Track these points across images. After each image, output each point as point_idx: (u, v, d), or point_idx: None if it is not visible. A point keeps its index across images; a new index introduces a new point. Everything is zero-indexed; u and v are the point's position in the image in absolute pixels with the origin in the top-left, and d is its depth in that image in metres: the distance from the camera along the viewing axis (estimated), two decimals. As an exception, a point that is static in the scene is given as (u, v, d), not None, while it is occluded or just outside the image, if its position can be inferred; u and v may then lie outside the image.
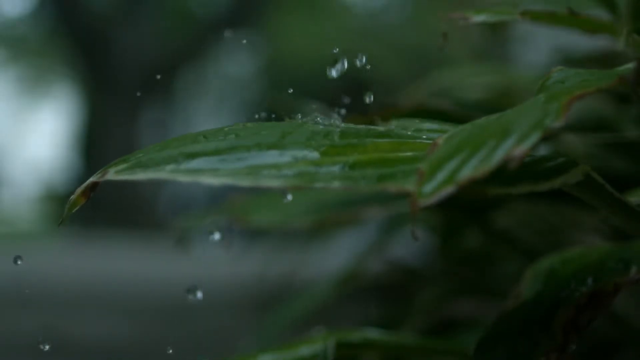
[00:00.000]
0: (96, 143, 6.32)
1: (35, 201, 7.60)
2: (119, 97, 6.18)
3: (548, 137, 0.60)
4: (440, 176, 0.32)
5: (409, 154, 0.36)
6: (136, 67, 6.22)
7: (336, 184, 0.33)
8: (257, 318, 1.02)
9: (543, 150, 0.61)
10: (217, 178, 0.33)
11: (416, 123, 0.46)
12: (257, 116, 0.45)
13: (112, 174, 0.35)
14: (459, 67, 0.91)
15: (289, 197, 0.44)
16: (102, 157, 5.90)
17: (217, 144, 0.35)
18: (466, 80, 0.81)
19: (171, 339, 1.48)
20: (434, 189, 0.32)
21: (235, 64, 7.51)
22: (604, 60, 0.71)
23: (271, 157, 0.35)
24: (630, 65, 0.41)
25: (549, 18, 0.48)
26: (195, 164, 0.34)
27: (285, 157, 0.35)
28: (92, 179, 0.35)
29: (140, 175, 0.34)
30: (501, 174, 0.35)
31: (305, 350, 0.51)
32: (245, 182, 0.33)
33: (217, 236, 0.58)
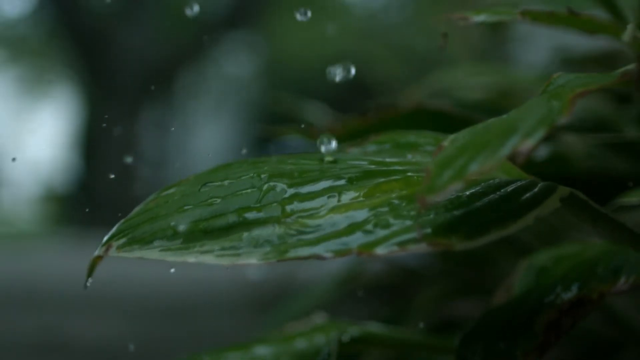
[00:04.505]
0: (96, 143, 6.32)
1: (35, 201, 7.59)
2: (118, 97, 6.18)
3: (549, 137, 0.60)
4: (448, 173, 0.32)
5: (384, 221, 0.37)
6: (136, 67, 6.22)
7: (307, 252, 0.35)
8: (258, 318, 1.02)
9: (543, 151, 0.61)
10: (202, 257, 0.36)
11: (398, 135, 0.47)
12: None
13: (114, 251, 0.38)
14: (459, 67, 0.91)
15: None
16: (102, 158, 5.90)
17: (200, 212, 0.38)
18: (466, 80, 0.81)
19: (171, 339, 1.48)
20: (442, 184, 0.32)
21: (235, 64, 7.51)
22: (604, 60, 0.71)
23: (250, 228, 0.37)
24: (633, 65, 0.41)
25: (549, 18, 0.48)
26: (181, 244, 0.37)
27: (262, 227, 0.37)
28: (97, 253, 0.39)
29: (137, 254, 0.37)
30: (468, 222, 0.35)
31: (301, 343, 0.51)
32: (226, 261, 0.35)
33: None
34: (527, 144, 0.32)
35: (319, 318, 0.54)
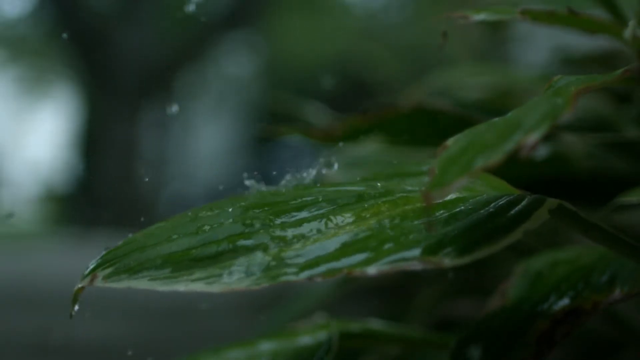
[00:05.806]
0: (96, 143, 6.31)
1: (35, 201, 7.58)
2: (118, 97, 6.18)
3: (549, 136, 0.60)
4: (454, 169, 0.32)
5: (374, 242, 0.37)
6: (136, 67, 6.21)
7: (298, 276, 0.35)
8: (258, 319, 1.02)
9: (544, 151, 0.61)
10: (192, 285, 0.36)
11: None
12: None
13: (101, 280, 0.38)
14: (459, 67, 0.91)
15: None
16: (102, 158, 5.90)
17: (189, 241, 0.38)
18: (466, 80, 0.81)
19: (171, 339, 1.48)
20: (448, 180, 0.32)
21: (235, 64, 7.51)
22: (604, 60, 0.71)
23: (240, 255, 0.37)
24: (634, 63, 0.41)
25: (549, 18, 0.47)
26: (170, 273, 0.37)
27: (252, 254, 0.37)
28: (80, 284, 0.38)
29: (124, 284, 0.37)
30: (458, 239, 0.35)
31: (305, 339, 0.51)
32: (216, 288, 0.35)
33: None
34: (532, 138, 0.32)
35: (319, 318, 0.54)
